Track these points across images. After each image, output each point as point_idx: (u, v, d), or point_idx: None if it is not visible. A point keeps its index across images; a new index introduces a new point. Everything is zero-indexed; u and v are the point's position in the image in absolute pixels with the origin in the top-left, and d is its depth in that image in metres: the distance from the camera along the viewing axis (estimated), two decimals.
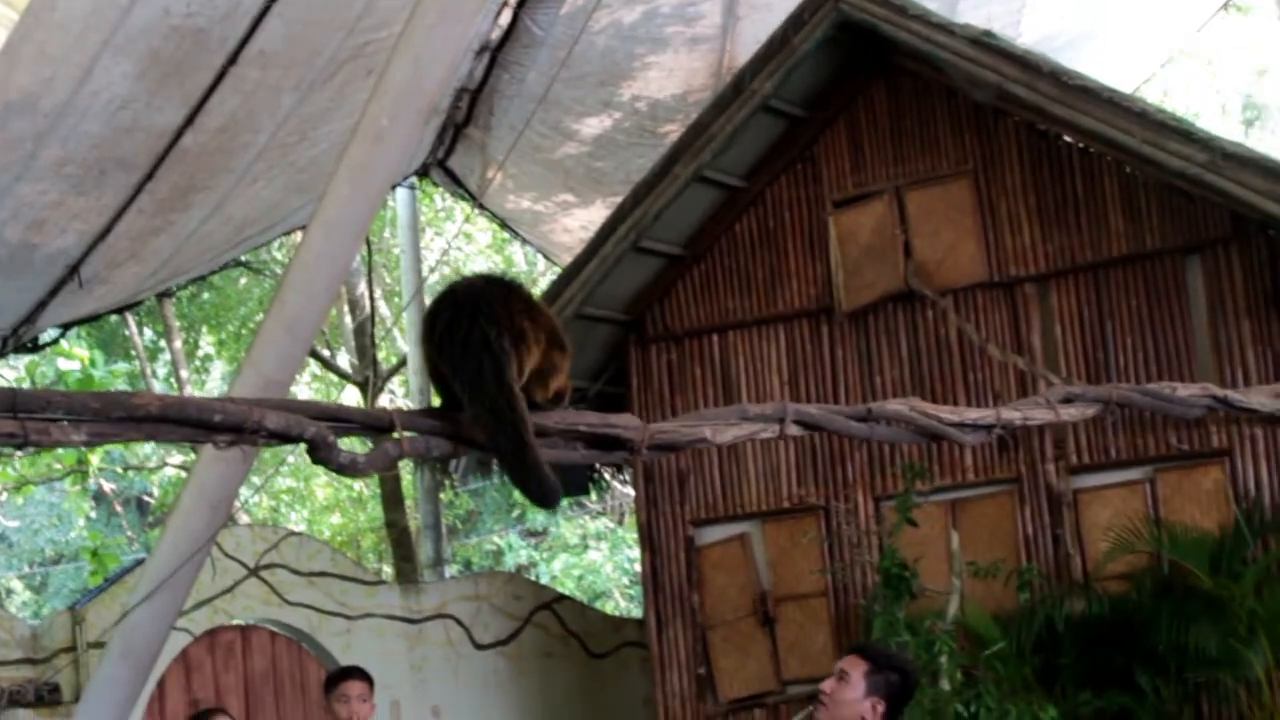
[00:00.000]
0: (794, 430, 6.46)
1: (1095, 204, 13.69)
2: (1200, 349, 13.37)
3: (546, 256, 20.64)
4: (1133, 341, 13.55)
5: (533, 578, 23.52)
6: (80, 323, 16.44)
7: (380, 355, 22.81)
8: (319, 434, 4.43)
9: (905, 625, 12.33)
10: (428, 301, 21.61)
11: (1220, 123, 27.11)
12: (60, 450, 20.41)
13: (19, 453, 20.80)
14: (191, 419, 4.14)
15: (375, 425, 4.80)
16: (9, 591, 29.18)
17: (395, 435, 4.68)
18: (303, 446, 4.61)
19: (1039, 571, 13.30)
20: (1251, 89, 29.97)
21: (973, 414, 7.60)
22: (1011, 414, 7.77)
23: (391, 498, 20.38)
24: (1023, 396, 12.39)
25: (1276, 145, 25.75)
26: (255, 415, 4.20)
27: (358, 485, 25.92)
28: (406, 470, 20.21)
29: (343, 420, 4.70)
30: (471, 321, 5.18)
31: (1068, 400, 8.32)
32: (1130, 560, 13.12)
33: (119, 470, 25.69)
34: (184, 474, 20.34)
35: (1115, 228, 13.63)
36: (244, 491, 15.22)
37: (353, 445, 5.48)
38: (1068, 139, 13.75)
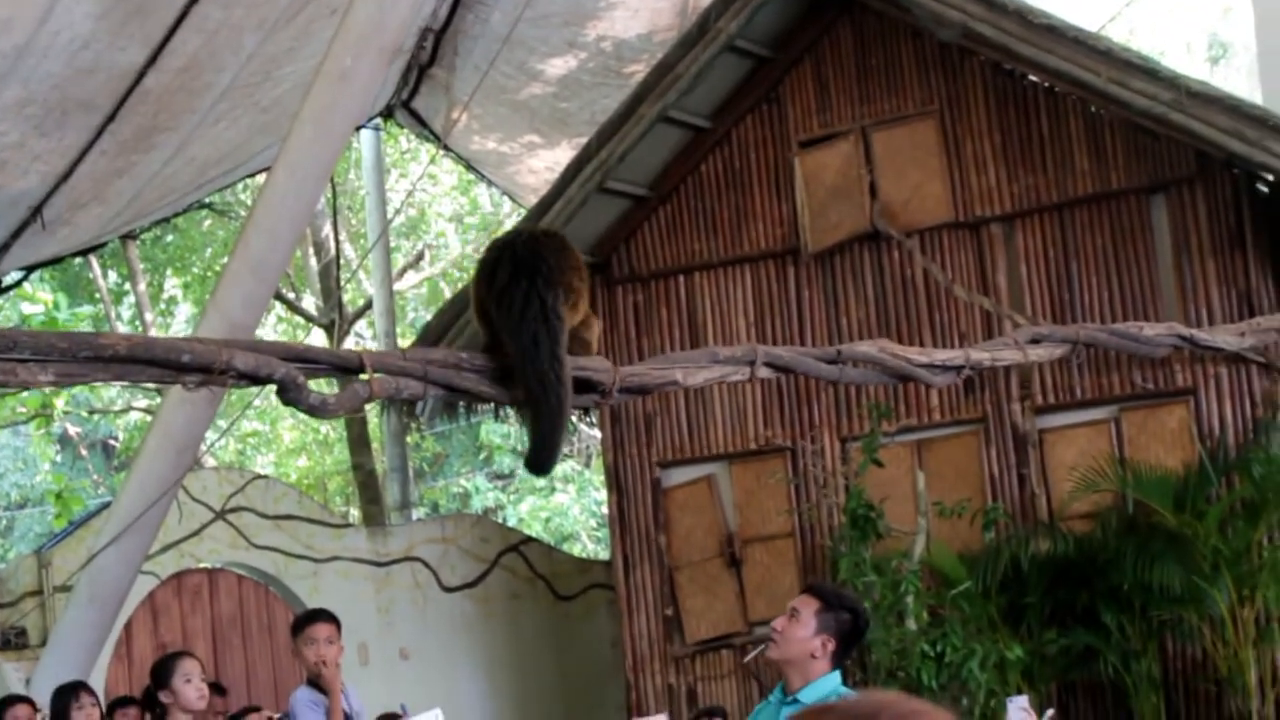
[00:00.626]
0: (764, 373, 6.47)
1: (1061, 143, 13.69)
2: (1165, 288, 13.40)
3: (512, 198, 20.57)
4: (1098, 281, 13.57)
5: (500, 520, 23.56)
6: (43, 265, 16.36)
7: (346, 297, 22.75)
8: (288, 375, 4.40)
9: (871, 565, 12.38)
10: (393, 243, 21.58)
11: (1185, 61, 27.11)
12: (25, 394, 20.36)
13: None
14: (159, 359, 4.11)
15: (344, 366, 4.78)
16: None
17: (365, 376, 4.65)
18: (270, 389, 4.59)
19: (1004, 511, 13.35)
20: (1216, 27, 29.97)
21: (941, 355, 7.63)
22: (980, 354, 7.79)
23: (358, 441, 20.34)
24: (988, 337, 12.44)
25: (1241, 83, 25.77)
26: (224, 355, 4.17)
27: (324, 428, 25.89)
28: (373, 413, 20.18)
29: (312, 361, 4.67)
30: (530, 283, 5.30)
31: (1036, 340, 8.35)
32: (1095, 499, 13.17)
33: (84, 414, 25.63)
34: (149, 418, 20.28)
35: (1080, 167, 13.63)
36: (210, 435, 15.15)
37: (321, 387, 5.45)
38: (1033, 78, 13.73)
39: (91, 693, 9.30)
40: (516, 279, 5.34)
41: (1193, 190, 13.35)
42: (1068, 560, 12.87)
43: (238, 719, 10.06)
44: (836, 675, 6.12)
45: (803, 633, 6.04)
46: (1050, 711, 7.32)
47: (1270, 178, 12.99)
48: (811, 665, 6.04)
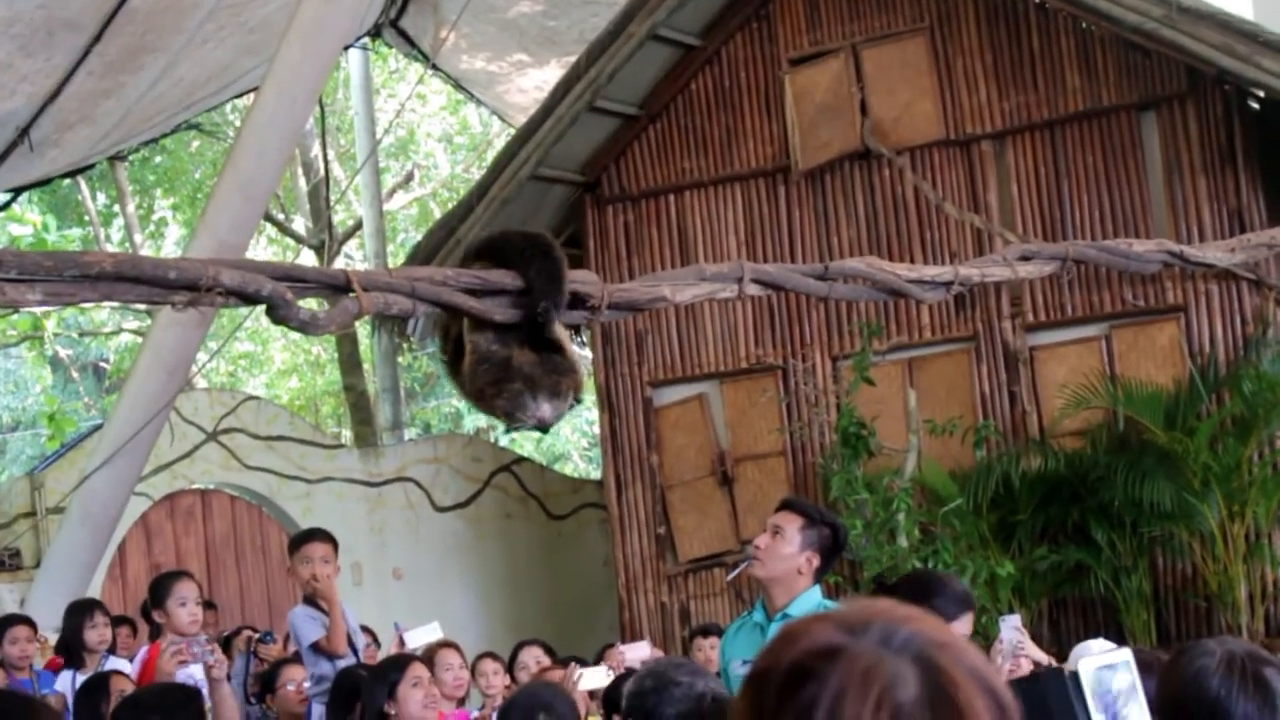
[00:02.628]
0: (752, 289, 6.46)
1: (1051, 61, 13.64)
2: (1156, 205, 13.39)
3: (501, 117, 20.50)
4: (1089, 198, 13.55)
5: (492, 440, 23.57)
6: (31, 187, 16.31)
7: (336, 219, 22.69)
8: (276, 292, 4.39)
9: (863, 483, 12.41)
10: (382, 164, 21.49)
11: None
12: (15, 316, 20.33)
13: None
14: (146, 276, 4.09)
15: (332, 284, 4.77)
16: None
17: (353, 293, 4.64)
18: (260, 310, 4.57)
19: (995, 428, 13.38)
20: None
21: (931, 271, 7.61)
22: (969, 271, 7.78)
23: (349, 361, 20.35)
24: (979, 255, 12.42)
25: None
26: (211, 272, 4.16)
27: (315, 349, 25.88)
28: (364, 334, 20.18)
29: (299, 280, 4.65)
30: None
31: (1025, 258, 8.33)
32: (1086, 416, 13.20)
33: (75, 336, 25.58)
34: (140, 339, 20.26)
35: (1071, 84, 13.59)
36: (201, 356, 15.16)
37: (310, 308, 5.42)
38: None
39: (105, 611, 9.30)
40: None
41: (1184, 107, 13.32)
42: (1058, 477, 12.91)
43: (230, 639, 10.10)
44: (818, 589, 6.16)
45: (788, 549, 6.05)
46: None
47: (1261, 94, 12.94)
48: (796, 581, 6.07)
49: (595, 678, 8.28)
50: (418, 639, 8.88)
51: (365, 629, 9.47)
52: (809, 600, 6.04)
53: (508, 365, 5.46)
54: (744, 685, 1.98)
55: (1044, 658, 7.47)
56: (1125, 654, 3.91)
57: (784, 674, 1.92)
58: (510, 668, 9.53)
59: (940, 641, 1.92)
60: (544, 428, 5.86)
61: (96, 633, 8.96)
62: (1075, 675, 3.79)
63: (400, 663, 7.26)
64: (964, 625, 5.50)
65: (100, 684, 7.42)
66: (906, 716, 1.87)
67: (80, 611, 9.15)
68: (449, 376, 5.87)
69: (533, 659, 9.36)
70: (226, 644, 9.85)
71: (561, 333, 5.52)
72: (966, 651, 1.93)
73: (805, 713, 1.88)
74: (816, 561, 6.07)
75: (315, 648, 8.12)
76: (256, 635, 9.01)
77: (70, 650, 9.03)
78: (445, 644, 9.00)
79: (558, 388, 5.65)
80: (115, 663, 8.56)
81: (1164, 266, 10.85)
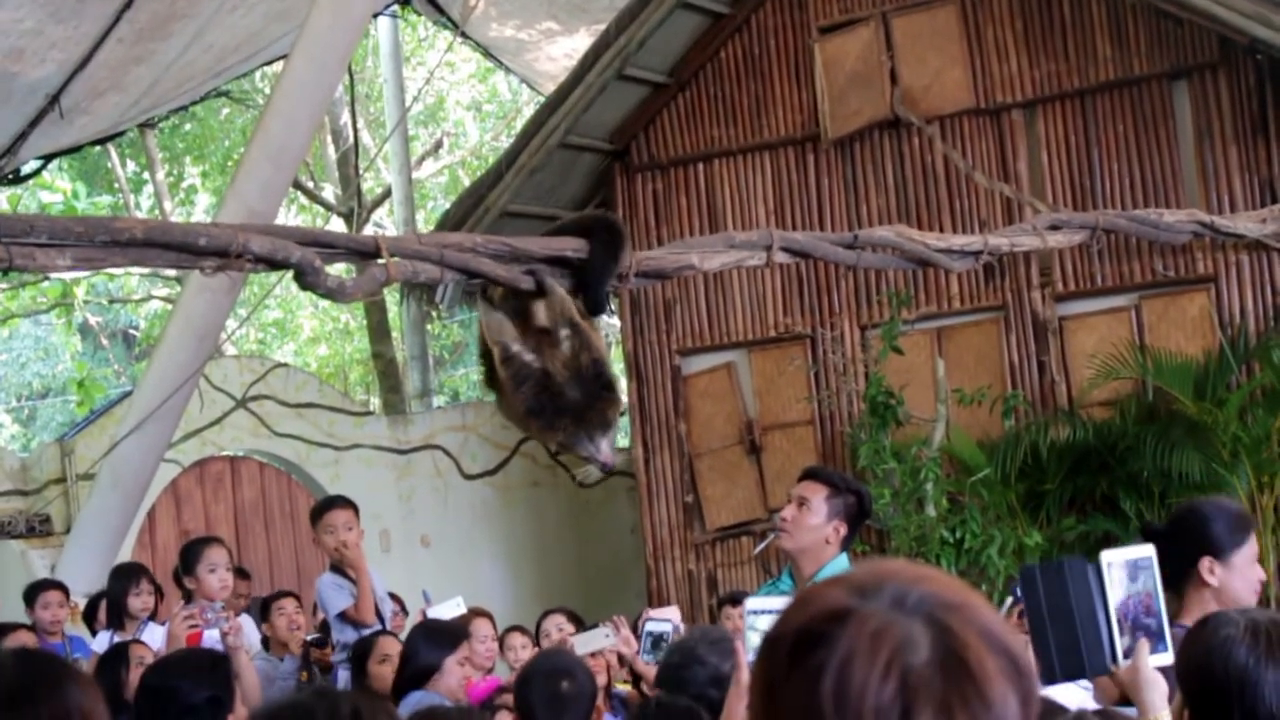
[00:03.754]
0: (781, 257, 6.46)
1: (1082, 29, 13.58)
2: (1187, 175, 13.33)
3: (530, 85, 20.48)
4: (1119, 168, 13.50)
5: None
6: (62, 154, 16.34)
7: (364, 186, 22.71)
8: (305, 259, 4.40)
9: (891, 452, 12.41)
10: (411, 132, 21.46)
11: None
12: (45, 283, 20.39)
13: (3, 283, 20.74)
14: (176, 242, 4.10)
15: (361, 250, 4.77)
16: None
17: (381, 260, 4.64)
18: (288, 277, 4.58)
19: (1024, 398, 13.35)
20: None
21: (960, 240, 7.62)
22: (998, 240, 7.78)
23: (378, 329, 20.38)
24: (1009, 224, 12.39)
25: None
26: (240, 239, 4.16)
27: (344, 317, 25.92)
28: (393, 302, 20.21)
29: (328, 245, 4.66)
30: None
31: (1055, 227, 8.33)
32: (1115, 386, 13.17)
33: (104, 303, 25.67)
34: (170, 306, 20.32)
35: (1102, 53, 13.53)
36: (230, 323, 15.18)
37: (339, 276, 5.42)
38: None
39: (151, 578, 9.30)
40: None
41: (1215, 76, 13.25)
42: (1087, 447, 12.89)
43: (269, 604, 10.10)
44: (845, 557, 6.15)
45: (815, 520, 6.04)
46: (1009, 600, 7.17)
47: None
48: (824, 551, 6.06)
49: (593, 640, 8.15)
50: (440, 614, 8.87)
51: (393, 596, 9.48)
52: (836, 568, 6.03)
53: (546, 383, 5.43)
54: (759, 651, 1.97)
55: None
56: (1149, 550, 3.90)
57: (793, 638, 1.90)
58: (536, 635, 9.55)
59: (953, 603, 1.91)
60: (608, 470, 5.87)
61: (140, 600, 8.99)
62: (1098, 566, 3.78)
63: (459, 637, 7.27)
64: (1248, 552, 5.26)
65: (119, 653, 7.46)
66: (916, 679, 1.85)
67: (125, 576, 9.18)
68: (496, 396, 5.86)
69: (555, 627, 9.35)
70: (265, 608, 9.83)
71: (563, 299, 5.48)
72: (980, 612, 1.91)
73: (813, 677, 1.87)
74: (843, 530, 6.07)
75: (343, 617, 8.14)
76: (310, 639, 8.96)
77: (111, 613, 9.06)
78: (478, 613, 9.02)
79: (604, 417, 5.64)
80: (151, 629, 8.60)
81: (1194, 237, 10.87)
